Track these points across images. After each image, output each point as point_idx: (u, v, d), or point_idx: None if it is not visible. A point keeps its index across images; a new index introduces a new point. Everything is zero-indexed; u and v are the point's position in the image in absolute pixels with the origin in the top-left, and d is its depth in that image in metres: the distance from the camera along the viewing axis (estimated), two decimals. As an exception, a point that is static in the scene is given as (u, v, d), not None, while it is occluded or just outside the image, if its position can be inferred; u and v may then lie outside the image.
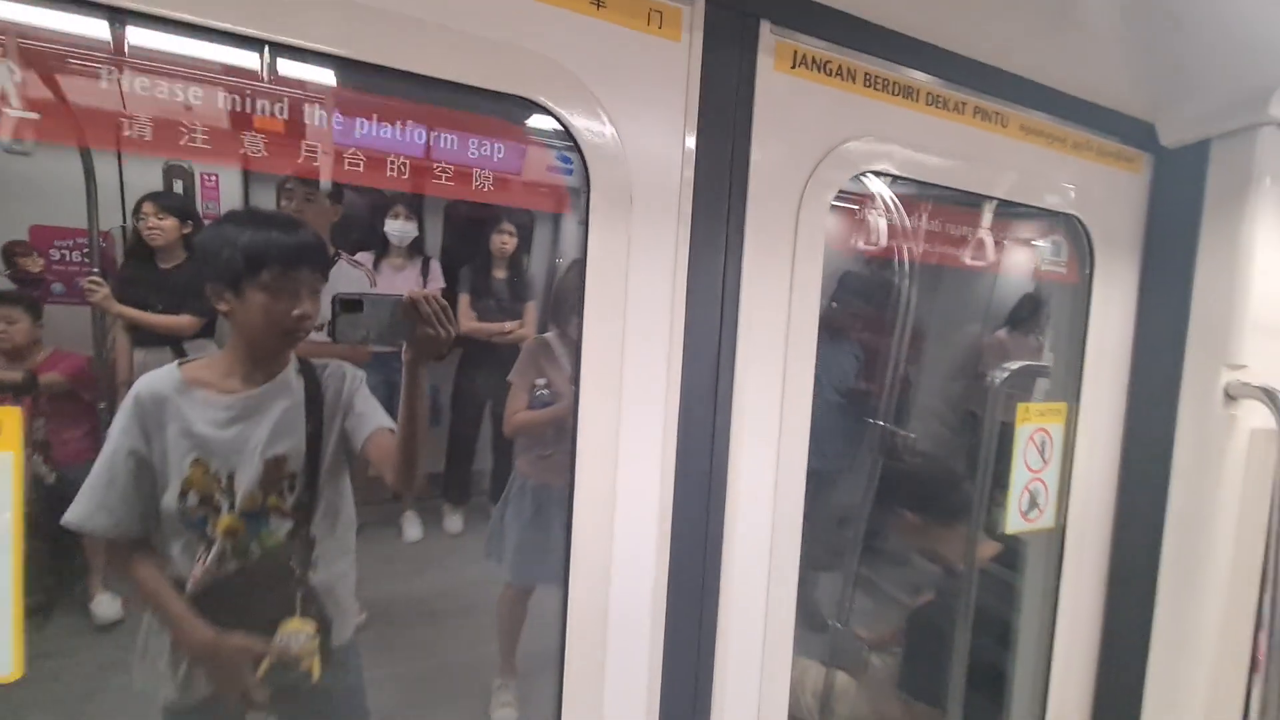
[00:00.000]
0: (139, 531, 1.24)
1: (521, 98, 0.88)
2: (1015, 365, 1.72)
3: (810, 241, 1.09)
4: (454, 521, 3.59)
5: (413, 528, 3.51)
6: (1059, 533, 1.51)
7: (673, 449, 1.01)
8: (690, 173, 0.98)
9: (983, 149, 1.28)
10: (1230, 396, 1.39)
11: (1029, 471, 1.46)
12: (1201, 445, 1.42)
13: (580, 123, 0.90)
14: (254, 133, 0.79)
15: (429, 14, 0.82)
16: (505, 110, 0.90)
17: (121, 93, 0.73)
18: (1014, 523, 1.46)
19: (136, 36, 0.72)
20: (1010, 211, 1.43)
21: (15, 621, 0.69)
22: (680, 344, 1.00)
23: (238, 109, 0.77)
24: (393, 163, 0.87)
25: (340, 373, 1.39)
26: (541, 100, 0.88)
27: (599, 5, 0.91)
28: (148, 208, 2.61)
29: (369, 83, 0.85)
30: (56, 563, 2.62)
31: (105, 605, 2.69)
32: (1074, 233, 1.46)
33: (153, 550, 1.25)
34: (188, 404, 1.24)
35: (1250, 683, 1.44)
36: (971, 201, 1.39)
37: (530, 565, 2.40)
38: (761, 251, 1.06)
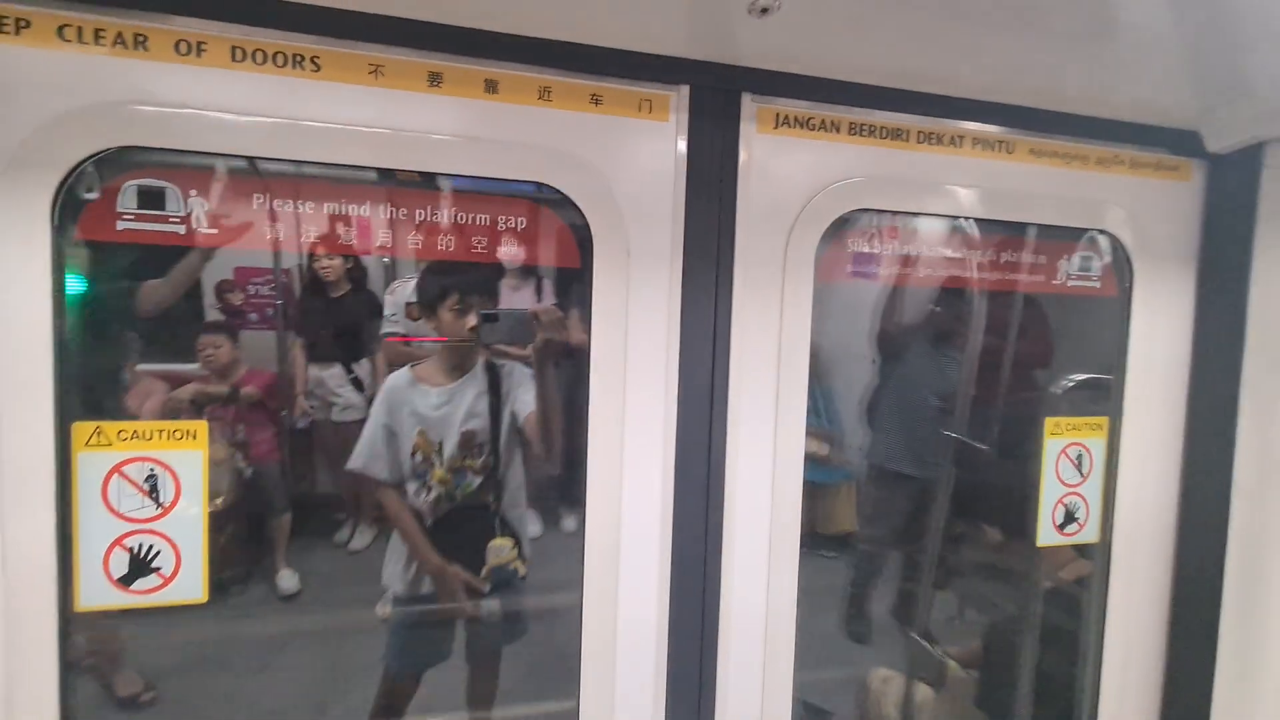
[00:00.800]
0: (391, 477, 1.88)
1: (540, 183, 1.13)
2: (1080, 377, 1.71)
3: (799, 274, 1.24)
4: (570, 521, 3.96)
5: (534, 525, 3.93)
6: (1105, 547, 1.50)
7: (672, 457, 1.21)
8: (681, 226, 1.18)
9: (990, 176, 1.34)
10: None
11: (1063, 485, 1.47)
12: (1263, 461, 1.36)
13: (584, 197, 1.13)
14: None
15: (473, 131, 1.09)
16: (527, 190, 1.16)
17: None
18: (1047, 535, 1.48)
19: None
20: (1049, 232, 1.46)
21: (204, 563, 1.04)
22: (676, 365, 1.19)
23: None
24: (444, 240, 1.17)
25: (511, 369, 1.93)
26: (553, 183, 1.12)
27: (597, 103, 1.13)
28: (320, 249, 3.20)
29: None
30: (250, 544, 3.28)
31: (287, 579, 3.31)
32: (1111, 247, 1.45)
33: (403, 494, 1.90)
34: (415, 393, 1.87)
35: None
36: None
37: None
38: (752, 285, 1.22)
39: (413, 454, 1.86)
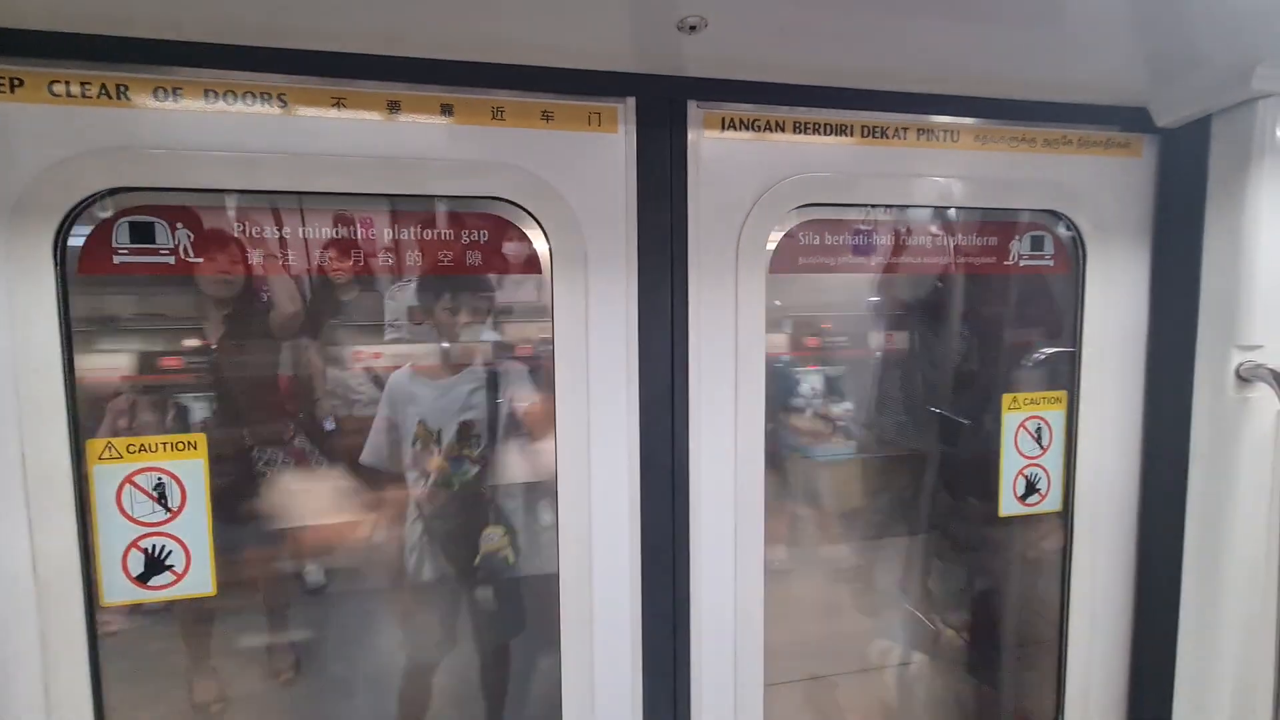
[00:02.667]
0: (395, 466, 2.00)
1: (496, 197, 1.21)
2: (1048, 350, 1.76)
3: (752, 269, 1.31)
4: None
5: (546, 514, 4.08)
6: (1067, 516, 1.56)
7: (637, 448, 1.29)
8: (634, 230, 1.25)
9: (936, 165, 1.39)
10: (1242, 378, 1.36)
11: (1022, 457, 1.53)
12: (1217, 428, 1.41)
13: (540, 209, 1.21)
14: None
15: (433, 153, 1.17)
16: (487, 205, 1.25)
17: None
18: (1009, 506, 1.54)
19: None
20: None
21: (211, 558, 1.16)
22: (636, 361, 1.27)
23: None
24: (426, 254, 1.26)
25: (508, 366, 2.04)
26: (510, 197, 1.20)
27: (548, 119, 1.20)
28: (333, 252, 3.37)
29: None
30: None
31: (313, 574, 3.49)
32: (1061, 226, 1.50)
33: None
34: (416, 386, 2.00)
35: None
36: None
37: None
38: (706, 282, 1.29)
39: (413, 443, 1.99)
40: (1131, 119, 1.45)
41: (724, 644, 1.37)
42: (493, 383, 2.03)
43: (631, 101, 1.23)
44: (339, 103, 1.13)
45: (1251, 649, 1.40)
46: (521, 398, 1.98)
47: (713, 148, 1.28)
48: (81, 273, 1.08)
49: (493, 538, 2.01)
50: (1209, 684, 1.44)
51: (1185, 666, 1.48)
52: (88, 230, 1.09)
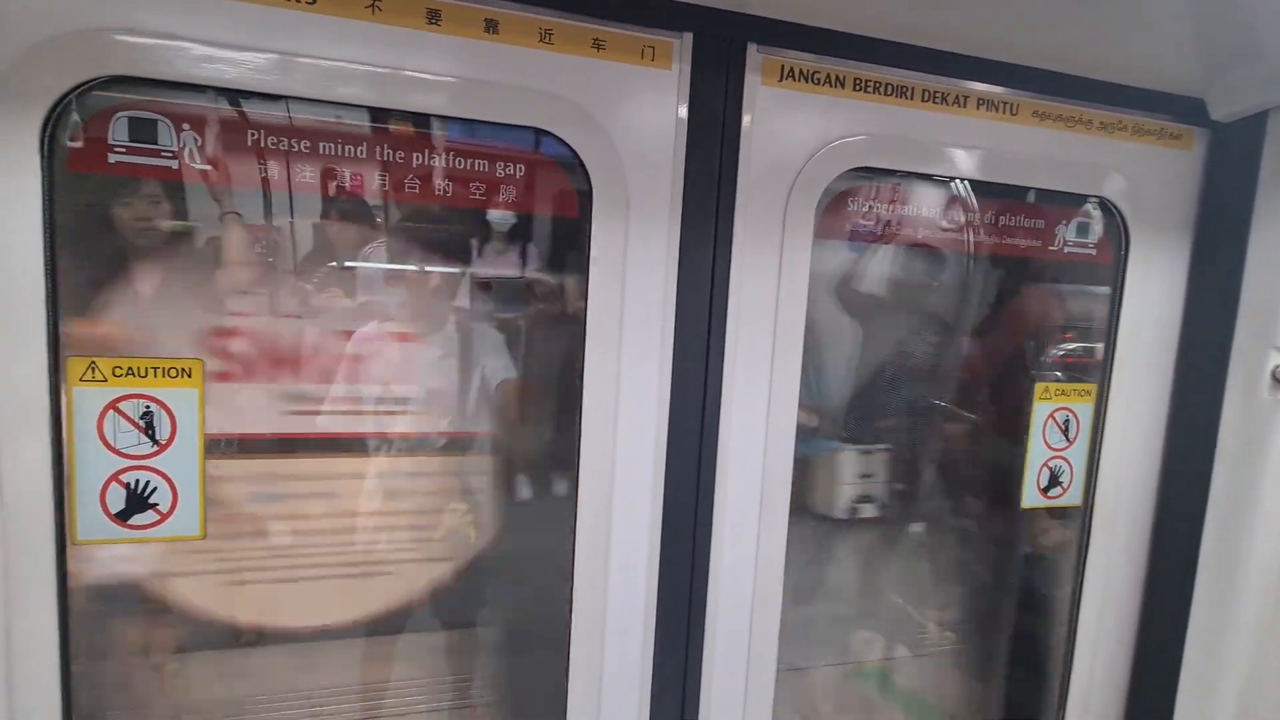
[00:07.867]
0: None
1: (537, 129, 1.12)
2: (1071, 345, 1.73)
3: (798, 231, 1.24)
4: (561, 486, 4.04)
5: (524, 489, 4.01)
6: (1086, 511, 1.53)
7: (666, 412, 1.21)
8: (681, 179, 1.17)
9: (992, 138, 1.33)
10: (1278, 380, 1.34)
11: (1048, 449, 1.50)
12: (1247, 430, 1.39)
13: (583, 145, 1.12)
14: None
15: (472, 73, 1.07)
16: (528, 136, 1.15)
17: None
18: (1031, 498, 1.51)
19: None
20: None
21: (200, 503, 1.05)
22: (672, 320, 1.20)
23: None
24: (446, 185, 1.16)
25: (484, 332, 1.86)
26: (552, 129, 1.11)
27: (599, 48, 1.11)
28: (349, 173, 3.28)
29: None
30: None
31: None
32: (1106, 214, 1.46)
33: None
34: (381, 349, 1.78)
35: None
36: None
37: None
38: (751, 241, 1.22)
39: None
40: (1185, 110, 1.41)
41: (739, 625, 1.31)
42: (467, 348, 1.85)
43: (689, 37, 1.14)
44: (374, 7, 1.02)
45: (1259, 657, 1.39)
46: (499, 370, 1.83)
47: (767, 98, 1.20)
48: (71, 169, 0.96)
49: (456, 514, 1.89)
50: (1214, 688, 1.43)
51: (1190, 668, 1.47)
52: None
